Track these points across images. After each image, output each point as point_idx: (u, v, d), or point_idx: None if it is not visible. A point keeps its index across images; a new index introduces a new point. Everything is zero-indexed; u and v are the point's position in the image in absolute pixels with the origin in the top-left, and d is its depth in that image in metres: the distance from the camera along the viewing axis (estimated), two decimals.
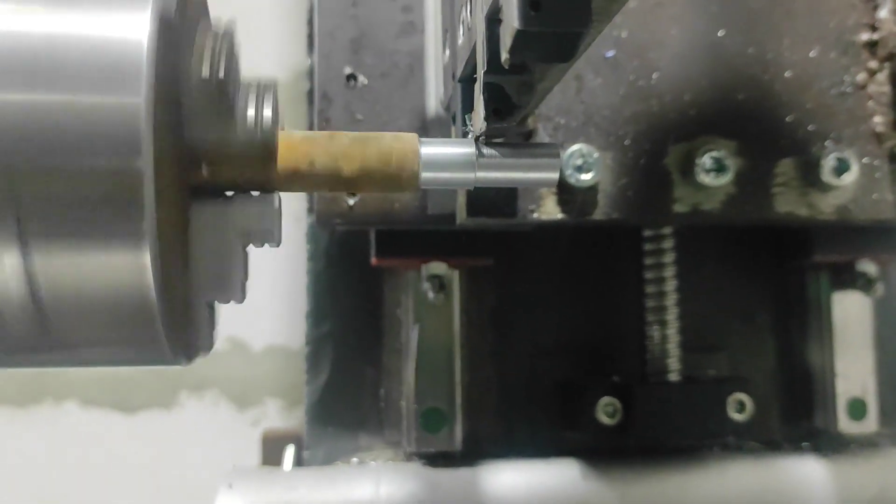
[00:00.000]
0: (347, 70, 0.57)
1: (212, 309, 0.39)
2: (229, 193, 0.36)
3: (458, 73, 0.43)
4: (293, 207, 0.64)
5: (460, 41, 0.43)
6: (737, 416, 0.61)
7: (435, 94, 0.56)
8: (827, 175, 0.55)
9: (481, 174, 0.38)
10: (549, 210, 0.54)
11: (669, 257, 0.62)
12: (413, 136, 0.38)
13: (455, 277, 0.61)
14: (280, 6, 0.89)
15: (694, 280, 0.65)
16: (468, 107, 0.42)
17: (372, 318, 0.66)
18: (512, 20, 0.29)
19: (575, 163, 0.53)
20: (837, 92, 0.57)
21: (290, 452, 0.65)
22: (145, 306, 0.31)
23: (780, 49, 0.57)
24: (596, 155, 0.54)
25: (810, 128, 0.57)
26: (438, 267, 0.60)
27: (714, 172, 0.54)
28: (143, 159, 0.29)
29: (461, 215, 0.52)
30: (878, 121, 0.57)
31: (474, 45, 0.37)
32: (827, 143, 0.57)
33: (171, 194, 0.32)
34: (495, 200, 0.51)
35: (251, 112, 0.35)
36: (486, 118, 0.37)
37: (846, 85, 0.58)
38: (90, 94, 0.29)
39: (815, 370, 0.66)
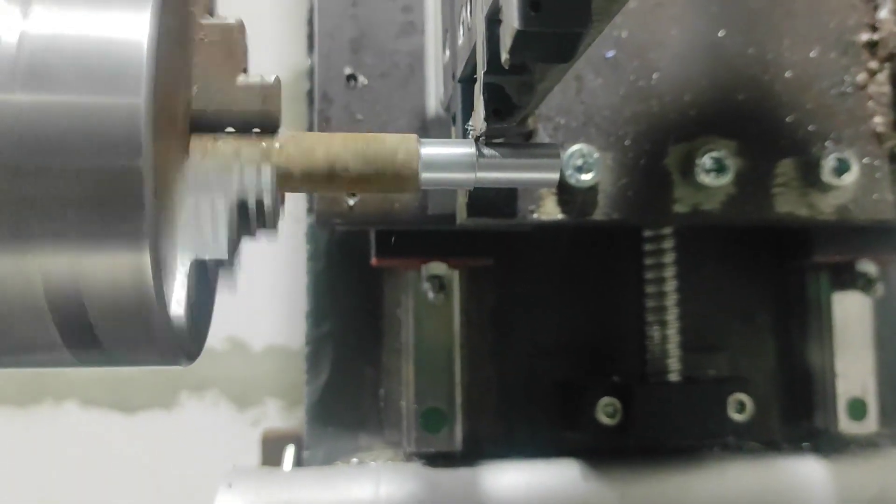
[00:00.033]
0: (347, 70, 0.57)
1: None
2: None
3: (458, 74, 0.43)
4: (293, 208, 0.64)
5: (460, 41, 0.43)
6: (737, 416, 0.61)
7: (435, 94, 0.56)
8: (827, 175, 0.55)
9: (481, 174, 0.38)
10: (549, 210, 0.54)
11: (669, 257, 0.62)
12: (413, 136, 0.38)
13: (455, 277, 0.61)
14: (280, 6, 0.89)
15: (694, 280, 0.65)
16: (468, 107, 0.42)
17: (372, 318, 0.66)
18: (512, 20, 0.29)
19: (575, 163, 0.53)
20: (837, 92, 0.57)
21: (289, 452, 0.65)
22: (145, 306, 0.31)
23: (780, 49, 0.57)
24: (596, 155, 0.54)
25: (810, 128, 0.57)
26: (438, 267, 0.60)
27: (714, 173, 0.54)
28: (143, 160, 0.29)
29: (461, 215, 0.52)
30: (879, 121, 0.57)
31: (474, 46, 0.37)
32: (827, 143, 0.57)
33: (171, 194, 0.32)
34: (495, 201, 0.51)
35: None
36: (486, 118, 0.37)
37: (846, 85, 0.58)
38: (90, 94, 0.29)
39: (815, 370, 0.66)
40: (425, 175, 0.38)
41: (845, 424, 0.64)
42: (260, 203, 0.35)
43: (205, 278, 0.38)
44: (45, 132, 0.29)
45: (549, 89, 0.37)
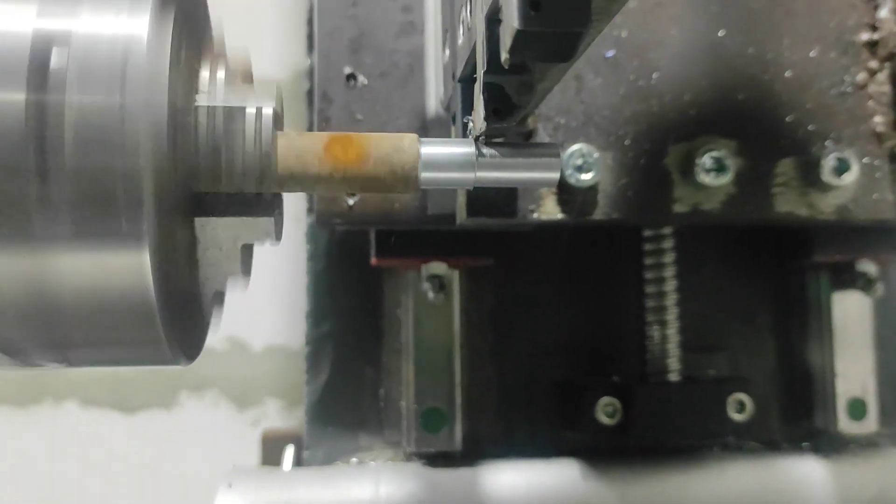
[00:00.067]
0: (347, 70, 0.57)
1: (218, 300, 0.39)
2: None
3: (458, 73, 0.43)
4: (293, 208, 0.64)
5: (460, 41, 0.43)
6: (737, 416, 0.61)
7: (435, 93, 0.56)
8: (827, 175, 0.55)
9: (481, 174, 0.38)
10: (549, 210, 0.54)
11: (669, 257, 0.62)
12: (413, 136, 0.38)
13: (455, 277, 0.61)
14: (280, 6, 0.89)
15: (694, 280, 0.65)
16: (468, 107, 0.42)
17: (372, 318, 0.66)
18: (512, 20, 0.29)
19: (575, 163, 0.53)
20: (837, 92, 0.57)
21: (289, 452, 0.65)
22: (145, 307, 0.31)
23: (780, 49, 0.57)
24: (596, 155, 0.53)
25: (810, 128, 0.57)
26: (438, 267, 0.60)
27: (714, 172, 0.54)
28: (142, 160, 0.29)
29: (461, 215, 0.52)
30: (879, 121, 0.57)
31: (474, 45, 0.37)
32: (827, 142, 0.57)
33: (171, 196, 0.32)
34: (495, 200, 0.51)
35: (250, 132, 0.35)
36: (486, 118, 0.37)
37: (846, 85, 0.58)
38: (90, 94, 0.29)
39: (815, 370, 0.66)
40: (425, 175, 0.38)
41: (845, 424, 0.64)
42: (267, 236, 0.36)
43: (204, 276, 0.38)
44: (44, 132, 0.29)
45: (549, 89, 0.37)
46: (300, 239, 0.67)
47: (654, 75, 0.56)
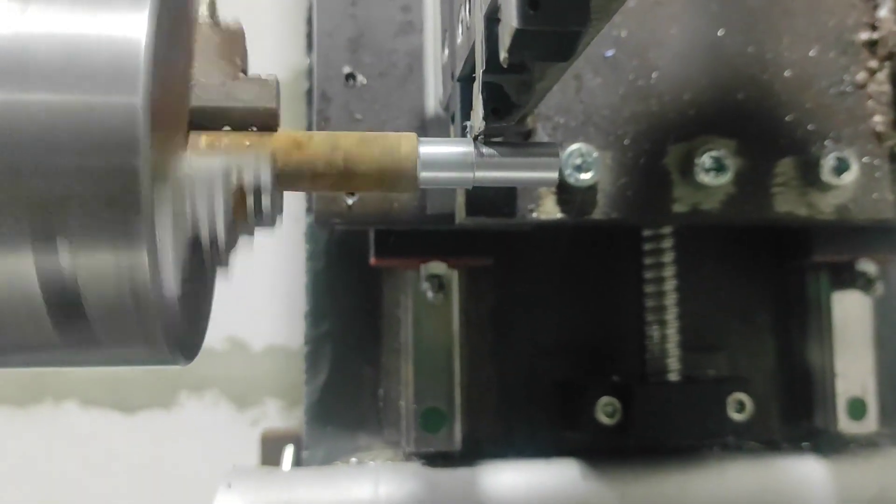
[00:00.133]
0: (346, 69, 0.57)
1: (207, 307, 0.39)
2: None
3: (457, 73, 0.43)
4: (292, 207, 0.64)
5: (459, 40, 0.43)
6: (736, 416, 0.61)
7: (434, 93, 0.56)
8: (826, 175, 0.55)
9: (480, 174, 0.38)
10: (549, 210, 0.54)
11: (669, 257, 0.62)
12: (412, 135, 0.38)
13: (454, 277, 0.61)
14: (279, 6, 0.89)
15: (693, 280, 0.65)
16: (467, 106, 0.41)
17: (371, 317, 0.66)
18: (511, 19, 0.29)
19: (574, 162, 0.53)
20: (837, 91, 0.57)
21: (289, 452, 0.65)
22: (143, 306, 0.31)
23: (779, 48, 0.57)
24: (595, 154, 0.53)
25: (810, 127, 0.57)
26: (438, 267, 0.60)
27: (713, 172, 0.54)
28: (141, 159, 0.29)
29: (460, 215, 0.52)
30: (878, 120, 0.57)
31: (473, 45, 0.37)
32: (826, 142, 0.57)
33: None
34: (494, 200, 0.51)
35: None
36: (485, 117, 0.37)
37: (846, 84, 0.58)
38: (88, 93, 0.29)
39: (814, 370, 0.66)
40: (424, 174, 0.38)
41: (845, 424, 0.64)
42: (258, 200, 0.35)
43: (203, 276, 0.38)
44: (43, 131, 0.29)
45: (548, 88, 0.36)
46: (299, 239, 0.67)
47: (654, 75, 0.56)
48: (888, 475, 0.62)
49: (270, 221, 0.36)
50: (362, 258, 0.62)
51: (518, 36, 0.29)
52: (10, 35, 0.29)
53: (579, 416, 0.61)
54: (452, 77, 0.45)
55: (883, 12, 0.58)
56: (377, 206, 0.56)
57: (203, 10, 0.36)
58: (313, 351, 0.66)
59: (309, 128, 0.64)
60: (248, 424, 0.90)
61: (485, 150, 0.38)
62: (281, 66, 0.83)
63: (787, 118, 0.57)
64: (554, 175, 0.39)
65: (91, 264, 0.30)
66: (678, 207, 0.56)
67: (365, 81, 0.57)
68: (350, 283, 0.66)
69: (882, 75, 0.57)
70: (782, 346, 0.69)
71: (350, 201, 0.56)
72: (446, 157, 0.38)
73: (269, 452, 0.72)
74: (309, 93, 0.66)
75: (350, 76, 0.57)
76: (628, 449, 0.61)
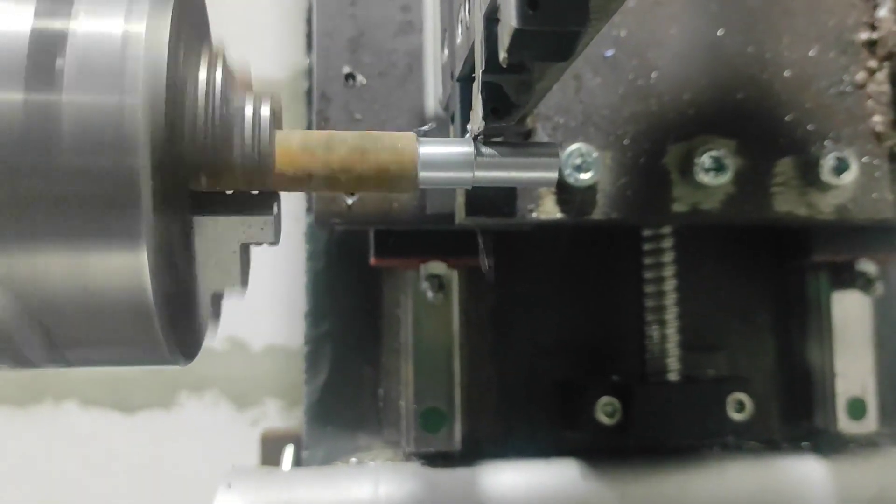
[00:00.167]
0: (346, 69, 0.57)
1: (217, 301, 0.39)
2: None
3: (457, 73, 0.43)
4: (292, 207, 0.64)
5: (459, 40, 0.43)
6: (736, 416, 0.61)
7: (433, 93, 0.56)
8: (826, 174, 0.55)
9: (480, 174, 0.38)
10: (548, 210, 0.54)
11: (669, 257, 0.62)
12: (412, 135, 0.38)
13: (454, 277, 0.61)
14: (279, 5, 0.89)
15: (693, 280, 0.65)
16: (467, 106, 0.41)
17: (371, 317, 0.66)
18: (510, 19, 0.29)
19: (574, 162, 0.53)
20: (837, 91, 0.57)
21: (289, 452, 0.65)
22: (143, 306, 0.31)
23: (779, 48, 0.57)
24: (595, 154, 0.53)
25: (809, 127, 0.57)
26: (437, 267, 0.60)
27: (713, 172, 0.54)
28: (140, 159, 0.29)
29: (460, 215, 0.52)
30: (878, 120, 0.57)
31: (472, 45, 0.37)
32: (826, 142, 0.57)
33: (169, 196, 0.32)
34: (494, 200, 0.51)
35: (248, 131, 0.35)
36: (485, 117, 0.37)
37: (845, 84, 0.58)
38: (88, 93, 0.29)
39: (814, 370, 0.66)
40: (424, 174, 0.38)
41: (845, 424, 0.64)
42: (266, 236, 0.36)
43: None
44: (43, 131, 0.29)
45: (548, 88, 0.36)
46: (299, 239, 0.67)
47: (653, 75, 0.56)
48: (888, 475, 0.62)
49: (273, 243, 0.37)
50: (362, 258, 0.62)
51: (517, 36, 0.29)
52: (11, 35, 0.29)
53: (579, 415, 0.61)
54: (452, 77, 0.45)
55: (883, 12, 0.58)
56: (377, 206, 0.56)
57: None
58: (313, 351, 0.66)
59: (309, 128, 0.64)
60: (248, 424, 0.90)
61: (484, 150, 0.38)
62: (280, 65, 0.83)
63: (786, 118, 0.57)
64: (554, 175, 0.39)
65: (92, 265, 0.30)
66: (678, 207, 0.56)
67: (365, 81, 0.57)
68: (350, 283, 0.66)
69: (881, 75, 0.57)
70: (782, 346, 0.69)
71: (350, 201, 0.56)
72: (446, 157, 0.38)
73: (269, 452, 0.72)
74: (309, 93, 0.66)
75: (350, 76, 0.57)
76: (628, 449, 0.61)
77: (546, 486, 0.59)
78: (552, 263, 0.67)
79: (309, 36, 0.65)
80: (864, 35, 0.58)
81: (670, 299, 0.62)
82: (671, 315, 0.62)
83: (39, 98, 0.29)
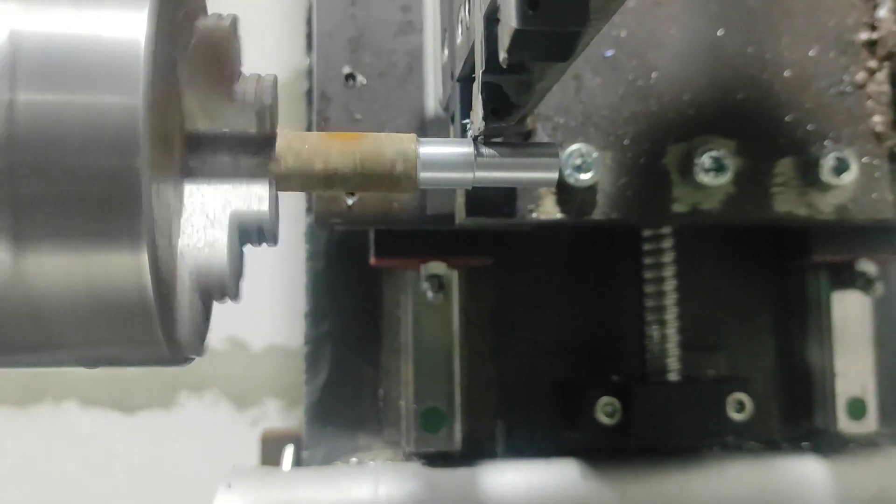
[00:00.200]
0: (346, 69, 0.57)
1: (207, 308, 0.39)
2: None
3: (457, 73, 0.43)
4: (292, 207, 0.64)
5: (459, 40, 0.43)
6: (736, 416, 0.61)
7: (434, 93, 0.56)
8: (826, 175, 0.55)
9: (480, 174, 0.38)
10: (548, 210, 0.54)
11: (669, 257, 0.62)
12: (412, 135, 0.38)
13: (454, 277, 0.61)
14: (279, 5, 0.89)
15: (693, 280, 0.65)
16: (467, 106, 0.41)
17: (371, 317, 0.66)
18: (510, 19, 0.29)
19: (574, 162, 0.53)
20: (837, 91, 0.57)
21: (289, 452, 0.65)
22: (143, 306, 0.31)
23: (779, 48, 0.57)
24: (595, 154, 0.53)
25: (809, 127, 0.57)
26: (437, 267, 0.60)
27: (713, 172, 0.54)
28: (141, 159, 0.29)
29: (460, 215, 0.52)
30: (878, 120, 0.57)
31: (473, 45, 0.37)
32: (826, 142, 0.57)
33: (166, 176, 0.31)
34: (494, 200, 0.51)
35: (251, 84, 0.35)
36: (485, 118, 0.37)
37: (845, 84, 0.58)
38: (88, 93, 0.29)
39: (814, 370, 0.66)
40: (424, 175, 0.38)
41: (845, 424, 0.64)
42: (259, 224, 0.35)
43: None
44: (42, 131, 0.29)
45: (548, 88, 0.37)
46: (299, 239, 0.67)
47: (653, 75, 0.56)
48: (888, 475, 0.62)
49: (271, 240, 0.36)
50: (362, 258, 0.62)
51: (517, 36, 0.29)
52: (10, 35, 0.29)
53: (579, 416, 0.61)
54: (452, 77, 0.45)
55: (882, 12, 0.58)
56: (377, 206, 0.56)
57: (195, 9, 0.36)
58: (313, 351, 0.66)
59: (309, 128, 0.64)
60: (248, 424, 0.90)
61: (484, 150, 0.38)
62: (281, 66, 0.83)
63: (786, 118, 0.57)
64: (554, 175, 0.39)
65: (91, 265, 0.30)
66: (678, 207, 0.56)
67: (365, 81, 0.57)
68: (350, 283, 0.66)
69: (881, 75, 0.57)
70: (782, 346, 0.69)
71: (350, 201, 0.56)
72: (446, 158, 0.38)
73: (269, 452, 0.72)
74: (309, 93, 0.66)
75: (350, 76, 0.57)
76: (628, 449, 0.61)
77: (546, 486, 0.59)
78: (552, 263, 0.67)
79: (309, 36, 0.65)
80: (864, 35, 0.58)
81: (670, 299, 0.62)
82: (671, 315, 0.62)
83: (37, 97, 0.29)
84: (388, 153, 0.37)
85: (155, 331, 0.32)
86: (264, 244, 0.37)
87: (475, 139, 0.39)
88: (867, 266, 0.62)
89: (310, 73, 0.65)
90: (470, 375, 0.63)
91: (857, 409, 0.64)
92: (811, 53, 0.57)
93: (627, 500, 0.59)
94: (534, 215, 0.54)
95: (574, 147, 0.54)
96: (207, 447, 0.89)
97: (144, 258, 0.30)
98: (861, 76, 0.58)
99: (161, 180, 0.31)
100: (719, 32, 0.57)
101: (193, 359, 0.36)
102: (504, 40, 0.31)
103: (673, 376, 0.62)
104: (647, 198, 0.55)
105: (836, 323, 0.64)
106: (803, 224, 0.58)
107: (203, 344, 0.38)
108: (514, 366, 0.66)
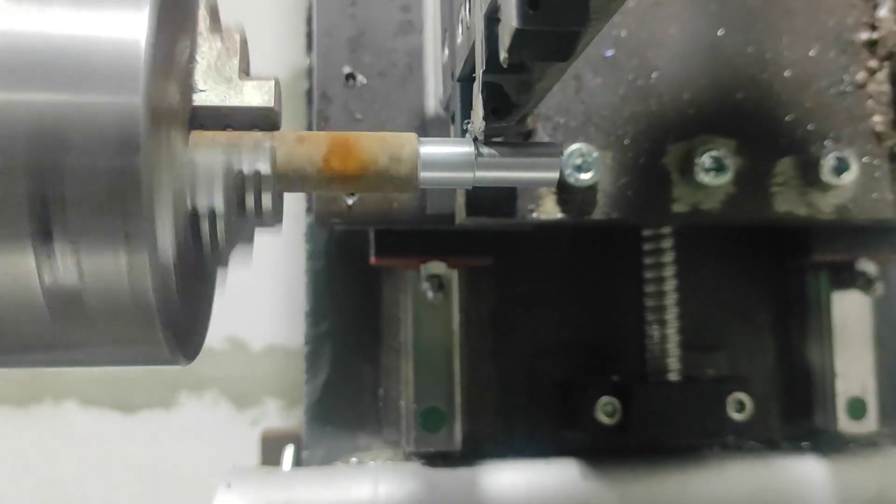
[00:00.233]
0: (346, 69, 0.57)
1: (208, 305, 0.39)
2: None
3: (457, 73, 0.43)
4: (292, 207, 0.64)
5: (459, 40, 0.43)
6: (736, 416, 0.61)
7: (434, 93, 0.56)
8: (826, 174, 0.55)
9: (480, 174, 0.38)
10: (549, 210, 0.54)
11: (669, 257, 0.62)
12: (412, 135, 0.38)
13: (454, 277, 0.61)
14: (279, 5, 0.89)
15: (693, 280, 0.65)
16: (467, 106, 0.41)
17: (371, 317, 0.66)
18: (510, 19, 0.29)
19: (574, 162, 0.53)
20: (837, 91, 0.57)
21: (289, 452, 0.65)
22: (144, 307, 0.31)
23: (779, 48, 0.57)
24: (595, 154, 0.53)
25: (810, 127, 0.57)
26: (437, 266, 0.60)
27: (713, 172, 0.54)
28: (142, 159, 0.29)
29: (460, 215, 0.52)
30: (878, 120, 0.57)
31: (473, 45, 0.37)
32: (826, 142, 0.57)
33: (169, 193, 0.32)
34: (494, 200, 0.51)
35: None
36: (485, 117, 0.37)
37: (845, 84, 0.58)
38: (88, 93, 0.29)
39: (814, 370, 0.66)
40: (424, 174, 0.38)
41: (845, 424, 0.64)
42: (258, 195, 0.35)
43: (203, 277, 0.38)
44: (42, 131, 0.29)
45: (548, 88, 0.37)
46: (299, 239, 0.67)
47: (654, 75, 0.56)
48: (888, 475, 0.62)
49: (271, 221, 0.36)
50: (362, 258, 0.62)
51: (518, 36, 0.29)
52: (10, 34, 0.29)
53: (579, 415, 0.61)
54: (452, 77, 0.45)
55: (883, 12, 0.58)
56: (377, 206, 0.56)
57: (203, 13, 0.36)
58: (313, 351, 0.66)
59: (309, 128, 0.64)
60: (247, 424, 0.90)
61: (485, 150, 0.38)
62: (281, 66, 0.83)
63: (786, 118, 0.57)
64: (554, 175, 0.39)
65: (91, 264, 0.30)
66: (678, 207, 0.56)
67: (365, 81, 0.57)
68: (350, 283, 0.66)
69: (882, 75, 0.57)
70: (782, 346, 0.69)
71: (350, 201, 0.56)
72: (446, 158, 0.38)
73: (269, 452, 0.72)
74: (309, 93, 0.66)
75: (350, 76, 0.57)
76: (628, 449, 0.61)
77: (546, 486, 0.59)
78: (552, 263, 0.67)
79: (309, 36, 0.65)
80: (864, 35, 0.58)
81: (670, 299, 0.62)
82: (671, 315, 0.62)
83: (37, 97, 0.29)
84: (388, 153, 0.37)
85: (157, 331, 0.32)
86: (267, 231, 0.37)
87: (475, 139, 0.39)
88: (867, 266, 0.62)
89: (310, 72, 0.65)
90: (470, 375, 0.63)
91: (857, 408, 0.64)
92: (811, 53, 0.57)
93: (627, 500, 0.59)
94: (534, 215, 0.54)
95: (574, 147, 0.54)
96: (207, 447, 0.89)
97: (145, 258, 0.30)
98: (861, 76, 0.57)
99: (163, 170, 0.31)
100: (719, 32, 0.57)
101: (193, 359, 0.36)
102: (505, 40, 0.31)
103: (673, 376, 0.62)
104: (647, 197, 0.55)
105: (836, 323, 0.64)
106: (803, 224, 0.58)
107: (202, 344, 0.38)
108: (514, 366, 0.66)
